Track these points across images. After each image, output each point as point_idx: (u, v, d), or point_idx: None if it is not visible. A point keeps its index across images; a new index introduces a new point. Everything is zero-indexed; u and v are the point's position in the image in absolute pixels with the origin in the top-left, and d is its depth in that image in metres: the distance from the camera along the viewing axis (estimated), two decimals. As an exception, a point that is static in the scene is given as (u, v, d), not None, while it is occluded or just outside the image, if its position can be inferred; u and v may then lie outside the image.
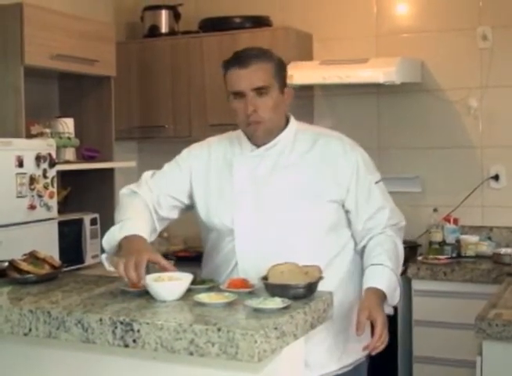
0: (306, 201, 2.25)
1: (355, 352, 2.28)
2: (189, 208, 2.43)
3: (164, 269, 1.99)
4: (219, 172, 2.36)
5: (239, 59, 2.25)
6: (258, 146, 2.31)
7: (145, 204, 2.32)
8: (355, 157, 2.32)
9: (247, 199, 2.28)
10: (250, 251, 2.25)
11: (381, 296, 2.20)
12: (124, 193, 2.39)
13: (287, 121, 2.36)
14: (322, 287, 1.94)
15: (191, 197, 2.39)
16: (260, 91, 2.22)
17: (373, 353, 2.18)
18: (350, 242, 2.35)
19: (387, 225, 2.33)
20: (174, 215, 2.41)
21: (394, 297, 2.28)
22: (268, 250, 2.21)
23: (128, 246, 2.08)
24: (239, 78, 2.23)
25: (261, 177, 2.29)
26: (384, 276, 2.24)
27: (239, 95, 2.24)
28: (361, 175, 2.31)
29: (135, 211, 2.27)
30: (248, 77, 2.22)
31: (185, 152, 2.45)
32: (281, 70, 2.30)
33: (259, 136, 2.28)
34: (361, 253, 2.35)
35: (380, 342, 2.13)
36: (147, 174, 2.43)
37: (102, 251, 2.25)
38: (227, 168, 2.35)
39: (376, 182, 2.35)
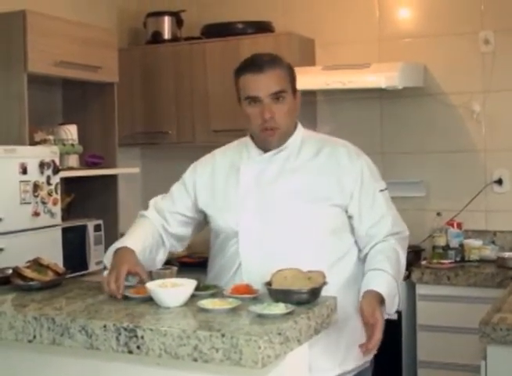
0: (309, 204, 2.26)
1: (358, 358, 2.26)
2: (205, 222, 2.47)
3: (140, 282, 2.05)
4: (225, 178, 2.38)
5: (255, 63, 2.25)
6: (265, 151, 2.33)
7: (151, 223, 2.41)
8: (359, 164, 2.33)
9: (252, 200, 2.29)
10: (254, 252, 2.26)
11: (379, 300, 2.17)
12: (137, 219, 2.48)
13: (295, 127, 2.37)
14: (324, 291, 1.94)
15: (199, 210, 2.43)
16: (276, 96, 2.23)
17: (365, 355, 2.17)
18: (353, 247, 2.34)
19: (389, 233, 2.32)
20: (185, 231, 2.47)
21: (393, 304, 2.24)
22: (270, 251, 2.23)
23: (114, 259, 2.16)
24: (256, 83, 2.23)
25: (266, 180, 2.31)
26: (384, 281, 2.22)
27: (255, 100, 2.23)
28: (365, 181, 2.31)
29: (135, 229, 2.38)
30: (265, 82, 2.22)
31: (190, 168, 2.49)
32: (292, 75, 2.32)
33: (273, 142, 2.29)
34: (363, 261, 2.33)
35: (375, 346, 2.12)
36: (156, 198, 2.50)
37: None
38: (234, 174, 2.36)
39: (381, 191, 2.35)
